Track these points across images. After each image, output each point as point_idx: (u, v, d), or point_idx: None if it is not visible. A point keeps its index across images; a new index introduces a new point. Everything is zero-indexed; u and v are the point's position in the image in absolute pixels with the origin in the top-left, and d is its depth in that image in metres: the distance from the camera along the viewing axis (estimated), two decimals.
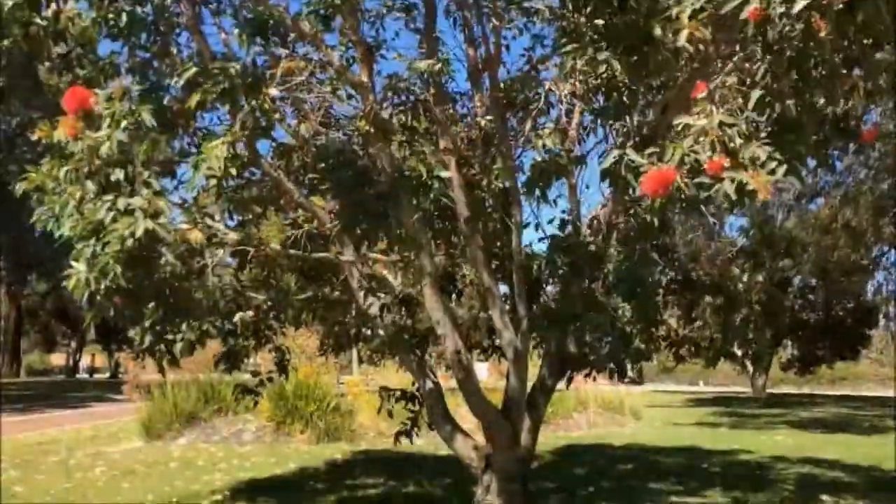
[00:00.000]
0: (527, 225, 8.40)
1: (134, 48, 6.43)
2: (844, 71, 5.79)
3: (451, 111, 8.97)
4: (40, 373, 70.08)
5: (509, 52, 9.17)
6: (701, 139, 4.84)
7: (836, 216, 27.87)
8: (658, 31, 5.15)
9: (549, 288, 8.93)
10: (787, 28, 4.75)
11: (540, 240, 8.84)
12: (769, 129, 5.76)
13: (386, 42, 9.00)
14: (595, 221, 8.11)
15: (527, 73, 8.74)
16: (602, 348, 7.80)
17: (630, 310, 7.73)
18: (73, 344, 70.97)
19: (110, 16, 5.74)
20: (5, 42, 5.99)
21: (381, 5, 8.64)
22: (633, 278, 7.31)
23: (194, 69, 5.55)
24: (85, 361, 73.09)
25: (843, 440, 20.06)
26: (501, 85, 8.52)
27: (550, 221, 8.56)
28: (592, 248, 7.22)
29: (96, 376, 67.17)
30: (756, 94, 5.27)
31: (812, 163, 6.69)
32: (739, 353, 36.44)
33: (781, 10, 4.54)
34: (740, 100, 5.72)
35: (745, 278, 26.80)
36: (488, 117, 7.94)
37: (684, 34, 4.94)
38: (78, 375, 67.28)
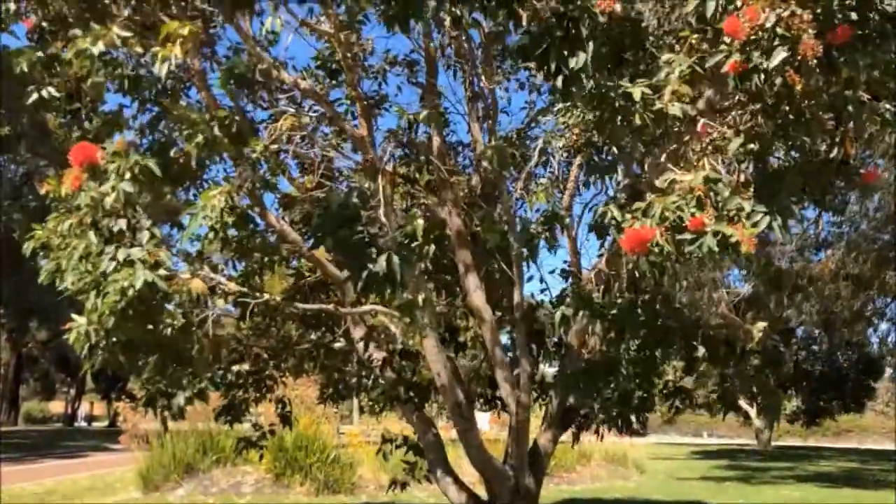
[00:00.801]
0: (530, 278, 8.44)
1: (143, 103, 6.56)
2: (827, 116, 5.86)
3: (452, 162, 9.08)
4: (38, 421, 69.46)
5: (510, 104, 9.35)
6: (687, 196, 4.89)
7: (839, 267, 27.88)
8: (638, 94, 5.25)
9: (552, 339, 8.93)
10: (766, 80, 4.84)
11: (542, 291, 8.85)
12: (755, 179, 5.82)
13: (388, 96, 9.18)
14: (596, 273, 8.14)
15: (522, 129, 8.88)
16: (607, 403, 7.78)
17: (632, 361, 7.72)
18: (72, 392, 70.47)
19: (118, 72, 5.85)
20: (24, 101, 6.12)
21: (384, 61, 8.81)
22: (635, 327, 7.31)
23: (195, 123, 5.63)
24: (83, 410, 72.50)
25: (850, 495, 19.77)
26: (501, 137, 8.64)
27: (552, 272, 8.61)
28: (600, 301, 7.21)
29: (95, 425, 66.54)
30: (737, 140, 5.32)
31: (813, 213, 6.73)
32: (745, 405, 36.06)
33: (761, 63, 4.64)
34: (726, 143, 5.79)
35: (747, 328, 26.63)
36: (485, 165, 8.02)
37: (667, 93, 5.04)
38: (76, 424, 66.67)
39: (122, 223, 5.34)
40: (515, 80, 8.86)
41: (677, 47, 6.30)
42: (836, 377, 36.83)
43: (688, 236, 4.80)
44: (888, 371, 40.77)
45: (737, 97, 5.91)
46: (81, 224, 5.37)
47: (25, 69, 5.80)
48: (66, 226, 5.35)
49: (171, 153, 5.97)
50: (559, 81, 5.15)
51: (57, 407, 75.39)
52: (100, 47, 5.46)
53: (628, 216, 5.19)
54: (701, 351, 8.45)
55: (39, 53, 5.85)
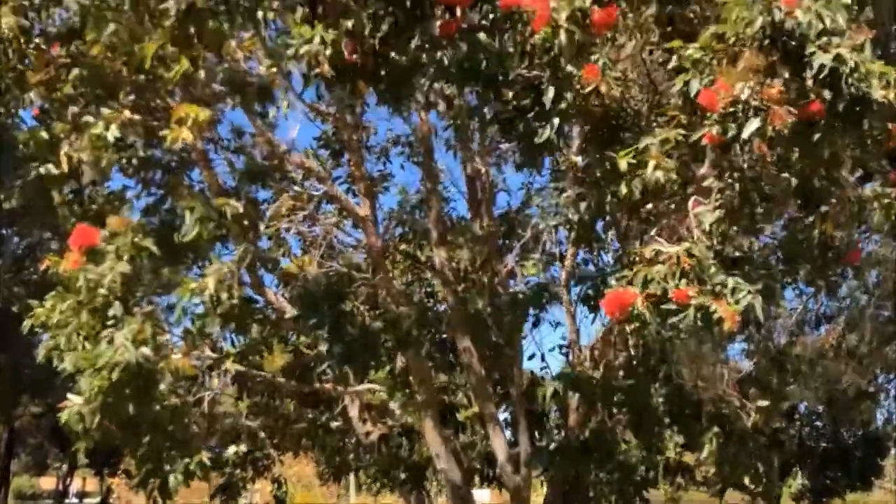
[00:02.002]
0: (532, 357, 8.44)
1: (146, 183, 6.66)
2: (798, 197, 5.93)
3: (450, 239, 9.17)
4: (29, 497, 67.83)
5: (505, 182, 9.51)
6: (673, 267, 4.93)
7: (840, 342, 27.71)
8: (624, 164, 5.35)
9: (551, 416, 8.84)
10: (741, 151, 4.98)
11: (542, 368, 8.82)
12: (737, 256, 5.87)
13: (390, 174, 9.36)
14: (595, 350, 8.13)
15: (518, 209, 9.02)
16: (608, 479, 7.67)
17: (633, 439, 7.65)
18: (65, 467, 69.09)
19: (127, 154, 5.98)
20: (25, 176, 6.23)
21: (386, 141, 9.03)
22: (636, 408, 7.26)
23: (200, 211, 5.73)
24: (75, 486, 70.92)
25: None
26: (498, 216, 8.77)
27: (552, 350, 8.60)
28: (598, 379, 7.19)
29: (86, 501, 64.96)
30: (711, 215, 5.38)
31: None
32: (750, 484, 35.25)
33: (734, 133, 4.77)
34: (710, 218, 5.85)
35: (749, 407, 26.28)
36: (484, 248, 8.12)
37: (651, 165, 5.14)
38: (67, 501, 65.12)
39: (119, 307, 5.37)
40: (513, 162, 9.03)
41: (660, 127, 6.48)
42: (840, 454, 36.13)
43: (671, 307, 4.83)
44: (893, 450, 40.02)
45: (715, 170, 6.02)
46: (79, 305, 5.39)
47: (31, 148, 5.91)
48: (66, 306, 5.37)
49: (175, 235, 6.02)
50: (529, 152, 5.26)
51: (48, 483, 73.60)
52: (114, 132, 5.59)
53: (614, 283, 5.24)
54: (703, 429, 8.36)
55: (44, 134, 5.97)
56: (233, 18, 4.98)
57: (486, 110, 5.16)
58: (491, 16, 4.64)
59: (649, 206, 6.21)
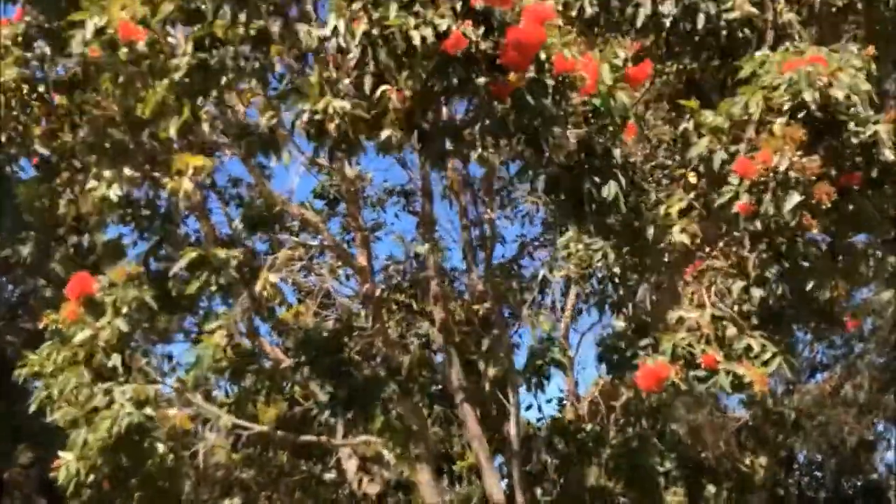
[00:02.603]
0: (529, 407, 8.36)
1: (143, 232, 6.66)
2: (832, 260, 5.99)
3: (447, 288, 9.16)
4: None
5: (503, 235, 9.56)
6: (697, 333, 4.96)
7: (837, 391, 27.55)
8: (651, 231, 5.37)
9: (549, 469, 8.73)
10: (776, 221, 4.98)
11: (538, 420, 8.74)
12: (760, 317, 5.89)
13: (385, 223, 9.40)
14: (592, 403, 8.07)
15: (514, 258, 9.04)
16: None
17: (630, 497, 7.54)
18: None
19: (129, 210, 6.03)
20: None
21: (383, 191, 9.09)
22: (633, 464, 7.19)
23: (195, 254, 5.74)
24: None
25: None
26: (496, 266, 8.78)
27: (549, 402, 8.53)
28: (590, 432, 7.14)
29: None
30: (738, 284, 5.41)
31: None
32: None
33: (772, 207, 4.79)
34: (730, 281, 5.87)
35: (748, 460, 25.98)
36: (485, 305, 8.11)
37: (676, 230, 5.16)
38: None
39: (117, 359, 5.34)
40: (504, 216, 9.12)
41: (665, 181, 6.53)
42: None
43: (700, 374, 4.87)
44: (894, 500, 39.50)
45: (733, 233, 6.06)
46: (75, 358, 5.36)
47: (31, 202, 5.94)
48: (61, 358, 5.34)
49: (170, 285, 6.01)
50: (588, 212, 5.25)
51: None
52: (116, 191, 5.63)
53: (640, 352, 5.24)
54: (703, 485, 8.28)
55: (43, 188, 6.01)
56: (241, 76, 5.02)
57: (536, 169, 5.18)
58: (544, 79, 4.66)
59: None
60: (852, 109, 4.89)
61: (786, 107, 4.89)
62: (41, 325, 5.69)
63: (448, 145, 4.85)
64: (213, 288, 5.74)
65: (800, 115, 4.89)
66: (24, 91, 5.78)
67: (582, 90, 4.74)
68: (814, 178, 4.77)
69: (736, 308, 5.56)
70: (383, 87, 4.45)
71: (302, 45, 4.87)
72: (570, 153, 5.02)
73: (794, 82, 4.83)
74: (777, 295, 5.63)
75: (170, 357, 7.44)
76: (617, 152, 5.01)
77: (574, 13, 5.66)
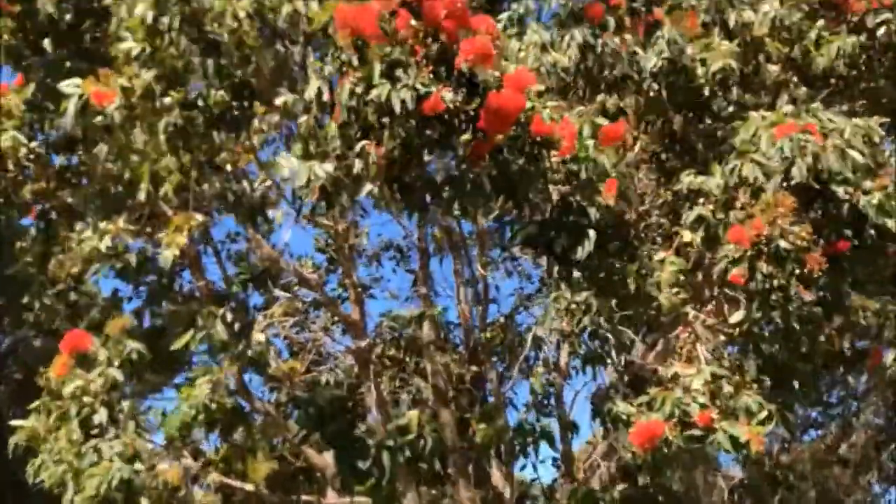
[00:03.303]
0: (523, 467, 8.26)
1: (138, 286, 6.69)
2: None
3: (442, 343, 9.14)
4: None
5: (498, 291, 9.58)
6: (693, 391, 4.96)
7: (833, 449, 27.27)
8: (642, 289, 5.41)
9: None
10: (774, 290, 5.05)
11: (532, 480, 8.63)
12: (757, 376, 5.90)
13: (381, 279, 9.42)
14: (587, 463, 7.99)
15: (510, 314, 9.05)
16: None
17: None
18: None
19: (121, 264, 6.05)
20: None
21: (379, 247, 9.15)
22: None
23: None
24: None
25: None
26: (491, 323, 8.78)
27: (542, 462, 8.43)
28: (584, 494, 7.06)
29: None
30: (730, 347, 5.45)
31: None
32: None
33: (764, 277, 4.88)
34: (722, 338, 5.90)
35: None
36: (474, 368, 8.11)
37: (666, 294, 5.21)
38: None
39: (104, 414, 5.31)
40: (504, 269, 9.14)
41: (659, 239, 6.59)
42: None
43: (696, 432, 4.86)
44: None
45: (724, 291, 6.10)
46: (66, 414, 5.32)
47: (28, 259, 5.99)
48: (52, 418, 5.32)
49: (163, 340, 6.01)
50: (564, 267, 5.33)
51: None
52: (106, 242, 5.69)
53: (633, 409, 5.23)
54: None
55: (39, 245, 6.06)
56: (235, 132, 5.12)
57: (515, 226, 5.27)
58: (522, 140, 4.77)
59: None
60: (843, 176, 4.99)
61: (777, 174, 4.99)
62: (42, 383, 5.66)
63: (428, 199, 4.96)
64: (202, 343, 5.74)
65: (791, 182, 5.00)
66: (23, 152, 5.89)
67: (559, 151, 4.84)
68: (804, 244, 4.84)
69: (728, 363, 5.59)
70: (363, 143, 4.56)
71: (286, 106, 5.01)
72: (548, 211, 5.13)
73: (786, 152, 4.94)
74: (771, 352, 5.68)
75: (163, 414, 7.36)
76: (593, 210, 5.09)
77: (552, 72, 5.82)
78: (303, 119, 4.86)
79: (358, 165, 4.52)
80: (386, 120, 4.49)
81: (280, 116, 5.49)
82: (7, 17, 5.87)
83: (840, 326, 6.33)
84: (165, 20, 4.80)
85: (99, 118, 4.99)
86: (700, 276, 6.25)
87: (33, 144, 6.15)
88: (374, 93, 4.36)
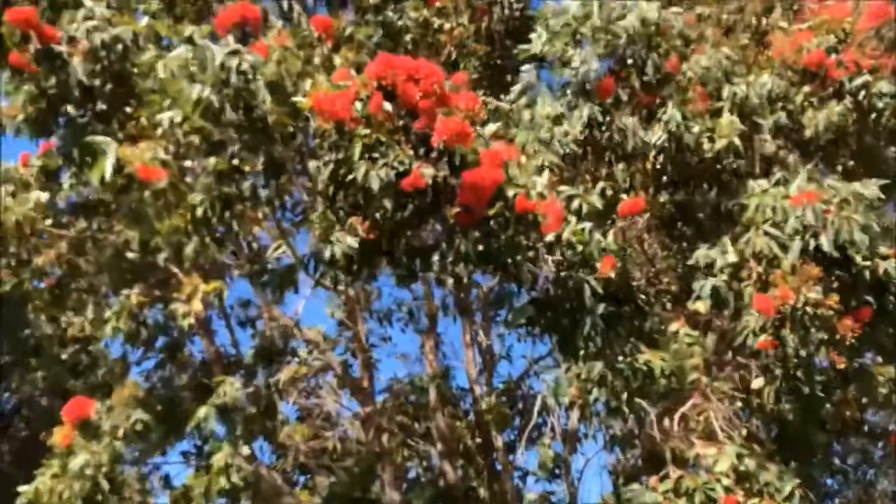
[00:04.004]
0: None
1: (148, 351, 6.69)
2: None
3: (449, 410, 9.05)
4: None
5: (509, 352, 9.51)
6: (718, 474, 4.91)
7: None
8: (659, 368, 5.37)
9: None
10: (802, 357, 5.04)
11: None
12: (776, 446, 5.85)
13: (390, 339, 9.40)
14: None
15: (519, 379, 8.98)
16: None
17: None
18: None
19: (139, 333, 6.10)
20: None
21: (390, 304, 9.19)
22: None
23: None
24: None
25: None
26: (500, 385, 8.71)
27: None
28: None
29: None
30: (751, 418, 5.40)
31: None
32: None
33: (795, 345, 4.86)
34: (739, 404, 5.84)
35: None
36: (483, 432, 8.02)
37: (688, 365, 5.18)
38: None
39: (107, 485, 5.24)
40: (514, 333, 9.08)
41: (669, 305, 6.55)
42: None
43: None
44: None
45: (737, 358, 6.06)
46: (72, 492, 5.26)
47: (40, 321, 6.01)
48: (57, 490, 5.25)
49: (172, 407, 5.99)
50: (569, 347, 5.31)
51: None
52: (125, 321, 5.75)
53: (659, 497, 5.13)
54: None
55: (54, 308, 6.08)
56: (258, 204, 5.19)
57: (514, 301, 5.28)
58: (505, 214, 4.82)
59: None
60: (862, 244, 5.01)
61: (796, 244, 5.00)
62: (49, 444, 5.63)
63: (417, 268, 5.00)
64: (216, 413, 5.72)
65: (811, 251, 5.01)
66: (39, 219, 5.95)
67: (542, 228, 4.87)
68: (831, 312, 4.83)
69: (746, 432, 5.53)
70: (351, 219, 4.63)
71: (314, 179, 5.07)
72: (546, 288, 5.14)
73: (810, 221, 4.95)
74: (790, 421, 5.61)
75: (166, 478, 7.29)
76: (592, 284, 5.09)
77: (563, 143, 5.90)
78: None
79: (349, 241, 4.59)
80: (366, 198, 4.59)
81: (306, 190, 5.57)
82: (31, 80, 5.94)
83: (857, 395, 6.26)
84: (216, 98, 4.85)
85: (146, 192, 4.99)
86: (711, 344, 6.22)
87: (51, 212, 6.22)
88: (354, 174, 4.46)
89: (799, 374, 5.27)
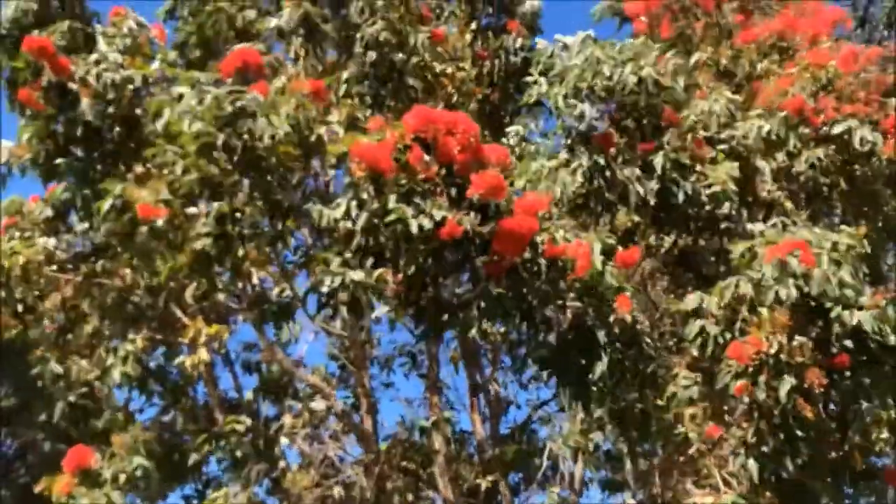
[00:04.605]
0: None
1: (151, 398, 6.69)
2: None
3: (454, 454, 8.97)
4: None
5: (515, 397, 9.46)
6: None
7: None
8: (660, 416, 5.37)
9: None
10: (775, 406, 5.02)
11: None
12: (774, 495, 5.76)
13: (392, 384, 9.37)
14: None
15: (524, 424, 8.93)
16: None
17: None
18: None
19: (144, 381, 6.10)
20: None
21: (392, 349, 9.18)
22: None
23: (203, 437, 5.74)
24: None
25: None
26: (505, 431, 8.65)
27: None
28: None
29: None
30: (742, 459, 5.36)
31: None
32: None
33: (765, 392, 4.85)
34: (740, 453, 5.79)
35: None
36: (489, 478, 7.95)
37: (686, 417, 5.16)
38: None
39: None
40: (517, 381, 9.08)
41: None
42: None
43: None
44: None
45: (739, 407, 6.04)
46: None
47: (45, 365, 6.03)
48: None
49: (176, 452, 5.96)
50: (580, 390, 5.32)
51: None
52: (129, 366, 5.72)
53: None
54: None
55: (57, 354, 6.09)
56: (259, 245, 5.24)
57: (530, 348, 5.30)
58: (537, 261, 4.87)
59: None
60: (836, 293, 5.02)
61: (770, 294, 5.04)
62: (39, 488, 5.59)
63: (444, 319, 5.02)
64: (220, 457, 5.68)
65: (785, 301, 5.04)
66: (43, 263, 5.99)
67: (574, 272, 4.92)
68: (805, 361, 4.84)
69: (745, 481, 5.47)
70: (380, 270, 4.68)
71: (316, 221, 5.12)
72: (562, 332, 5.17)
73: (774, 273, 5.00)
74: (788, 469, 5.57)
75: None
76: (601, 333, 5.12)
77: (564, 196, 5.95)
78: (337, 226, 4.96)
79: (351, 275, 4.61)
80: (402, 246, 4.62)
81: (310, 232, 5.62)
82: (40, 119, 5.98)
83: (855, 442, 6.20)
84: (220, 136, 4.93)
85: (145, 229, 5.04)
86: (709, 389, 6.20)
87: (58, 254, 6.26)
88: (390, 217, 4.51)
89: (775, 420, 5.27)
